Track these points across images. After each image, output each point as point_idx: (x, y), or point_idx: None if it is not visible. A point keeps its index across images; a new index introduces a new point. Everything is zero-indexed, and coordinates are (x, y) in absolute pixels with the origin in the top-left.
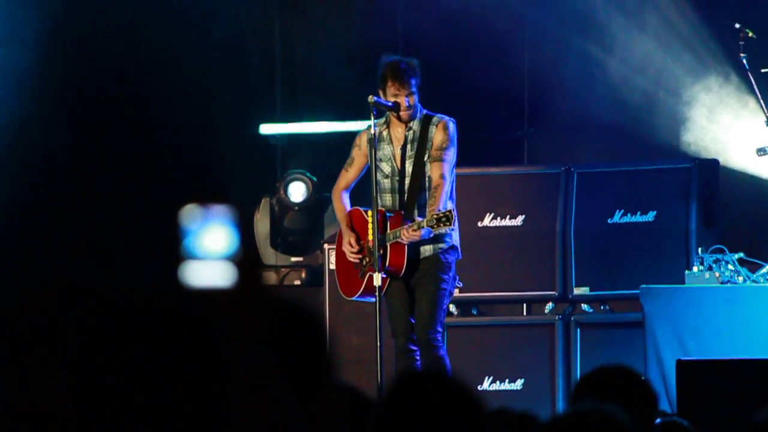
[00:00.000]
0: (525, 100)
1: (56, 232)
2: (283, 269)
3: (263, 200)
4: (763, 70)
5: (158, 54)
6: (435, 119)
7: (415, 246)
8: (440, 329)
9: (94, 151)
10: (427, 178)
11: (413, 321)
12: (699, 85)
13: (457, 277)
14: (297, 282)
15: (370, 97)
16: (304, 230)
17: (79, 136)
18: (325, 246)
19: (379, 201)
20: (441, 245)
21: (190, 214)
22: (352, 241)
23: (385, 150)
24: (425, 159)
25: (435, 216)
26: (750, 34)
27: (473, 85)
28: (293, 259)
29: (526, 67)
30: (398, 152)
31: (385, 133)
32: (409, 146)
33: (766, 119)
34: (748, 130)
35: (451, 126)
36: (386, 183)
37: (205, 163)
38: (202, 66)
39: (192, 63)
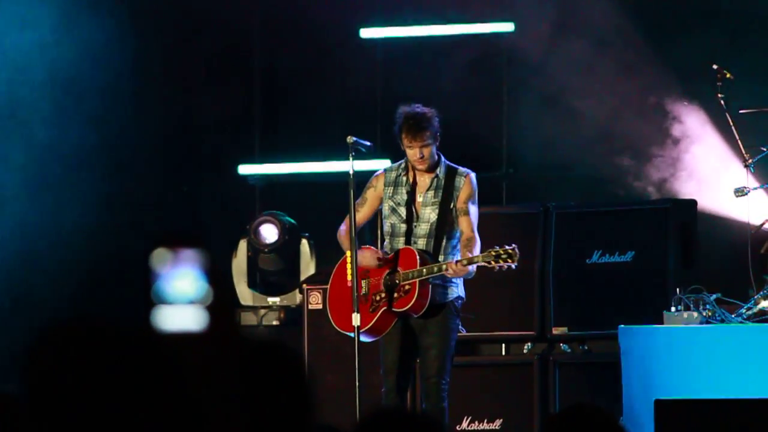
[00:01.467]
0: (503, 140)
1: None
2: (261, 309)
3: (241, 241)
4: (741, 111)
5: (137, 92)
6: (461, 171)
7: (433, 289)
8: (448, 378)
9: (72, 192)
10: (449, 226)
11: (421, 364)
12: (676, 126)
13: (460, 322)
14: (275, 322)
15: (349, 137)
16: (279, 271)
17: (57, 178)
18: (305, 287)
19: (389, 243)
20: (453, 293)
21: (160, 258)
22: (377, 252)
23: (402, 195)
24: (451, 207)
25: (493, 252)
26: (728, 75)
27: (452, 125)
28: (270, 299)
29: (505, 106)
30: (419, 198)
31: (403, 178)
32: (432, 192)
33: (744, 159)
34: (726, 170)
35: (476, 181)
36: (402, 228)
37: (183, 204)
38: (181, 106)
39: (171, 103)
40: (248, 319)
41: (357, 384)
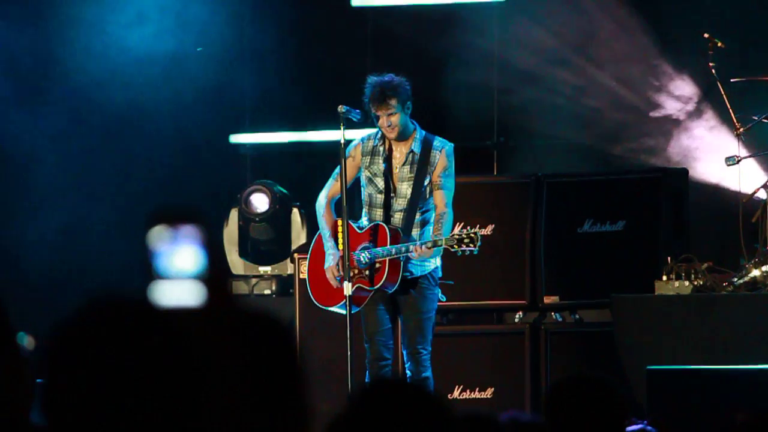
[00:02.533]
0: (494, 109)
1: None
2: (252, 279)
3: (232, 210)
4: (732, 80)
5: (129, 64)
6: (437, 144)
7: (405, 263)
8: (430, 348)
9: (68, 160)
10: (424, 202)
11: (402, 335)
12: (668, 95)
13: (439, 290)
14: (267, 291)
15: (340, 106)
16: (271, 240)
17: (52, 142)
18: (296, 255)
19: (367, 213)
20: (431, 265)
21: (159, 235)
22: (340, 265)
23: (379, 165)
24: (425, 183)
25: (457, 236)
26: (719, 44)
27: (443, 94)
28: (262, 269)
29: (496, 75)
30: (395, 170)
31: (381, 147)
32: (408, 167)
33: (734, 128)
34: (717, 139)
35: (452, 153)
36: (379, 198)
37: (174, 173)
38: (172, 76)
39: (162, 73)
40: (240, 288)
41: (349, 353)
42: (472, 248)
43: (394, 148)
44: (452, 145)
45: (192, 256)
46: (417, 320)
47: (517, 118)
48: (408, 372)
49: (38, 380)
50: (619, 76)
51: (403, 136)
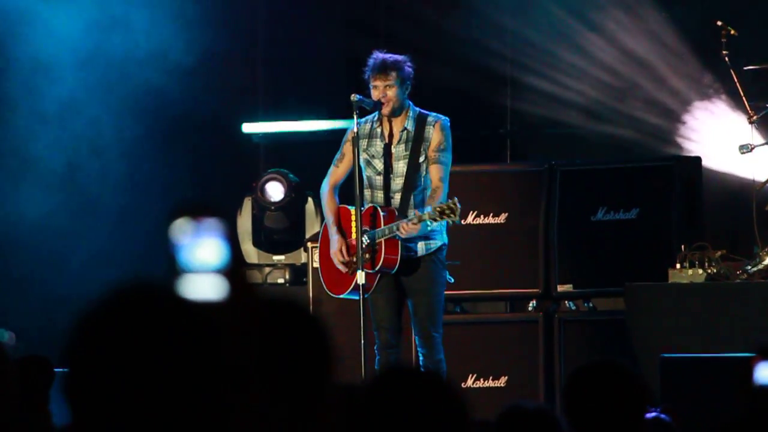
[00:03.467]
0: (508, 97)
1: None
2: (266, 268)
3: (245, 200)
4: (745, 68)
5: (140, 51)
6: (430, 119)
7: (406, 244)
8: (441, 330)
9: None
10: (422, 179)
11: (413, 319)
12: (681, 83)
13: (447, 272)
14: (280, 280)
15: (353, 95)
16: (284, 229)
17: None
18: (309, 244)
19: (369, 197)
20: (436, 244)
21: (181, 228)
22: (344, 250)
23: (377, 146)
24: (421, 160)
25: (438, 208)
26: (732, 32)
27: (456, 82)
28: (275, 257)
29: (509, 64)
30: (392, 150)
31: (378, 129)
32: (403, 146)
33: (748, 116)
34: (730, 127)
35: (447, 126)
36: (378, 180)
37: (187, 163)
38: (184, 64)
39: (174, 61)
40: (253, 277)
41: (362, 342)
42: (454, 218)
43: (390, 128)
44: (447, 118)
45: (214, 249)
46: (427, 304)
47: (530, 105)
48: (421, 356)
49: (60, 369)
50: (633, 64)
51: (396, 113)
